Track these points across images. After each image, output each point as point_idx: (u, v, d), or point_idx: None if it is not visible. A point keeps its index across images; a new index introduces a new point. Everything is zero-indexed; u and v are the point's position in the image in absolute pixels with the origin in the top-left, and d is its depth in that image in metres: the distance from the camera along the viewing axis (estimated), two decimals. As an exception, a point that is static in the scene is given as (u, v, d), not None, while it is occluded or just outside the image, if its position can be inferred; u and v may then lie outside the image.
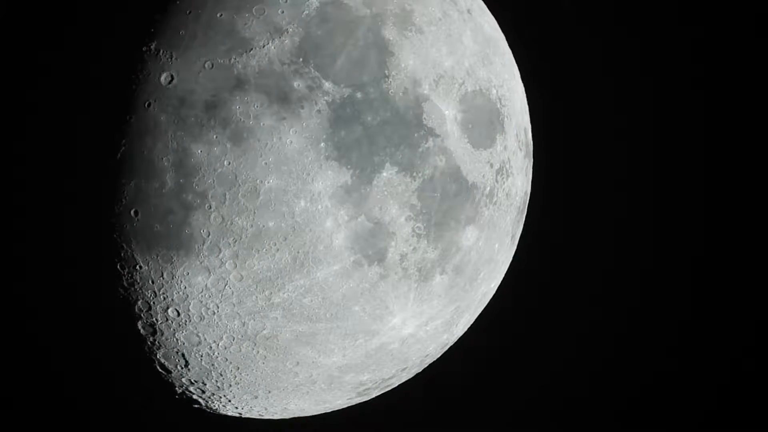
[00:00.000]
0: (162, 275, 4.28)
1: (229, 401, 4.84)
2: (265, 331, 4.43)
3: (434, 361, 5.30)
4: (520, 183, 4.96)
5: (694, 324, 7.20)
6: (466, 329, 5.25)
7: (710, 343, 7.18)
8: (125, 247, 4.26)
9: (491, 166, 4.67)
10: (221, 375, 4.61)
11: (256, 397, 4.81)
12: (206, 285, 4.29)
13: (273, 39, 4.23)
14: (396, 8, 4.47)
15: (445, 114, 4.46)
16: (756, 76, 7.06)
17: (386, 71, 4.35)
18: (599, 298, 7.22)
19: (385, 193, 4.31)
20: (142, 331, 4.46)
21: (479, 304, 5.13)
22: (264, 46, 4.21)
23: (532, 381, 7.27)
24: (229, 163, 4.15)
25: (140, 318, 4.42)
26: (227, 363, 4.55)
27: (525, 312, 7.09)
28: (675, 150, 7.17)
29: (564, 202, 7.03)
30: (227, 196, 4.16)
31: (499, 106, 4.73)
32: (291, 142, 4.17)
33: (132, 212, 4.20)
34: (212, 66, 4.18)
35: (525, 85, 5.21)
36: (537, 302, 7.15)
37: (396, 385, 5.27)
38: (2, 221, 4.43)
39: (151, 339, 4.48)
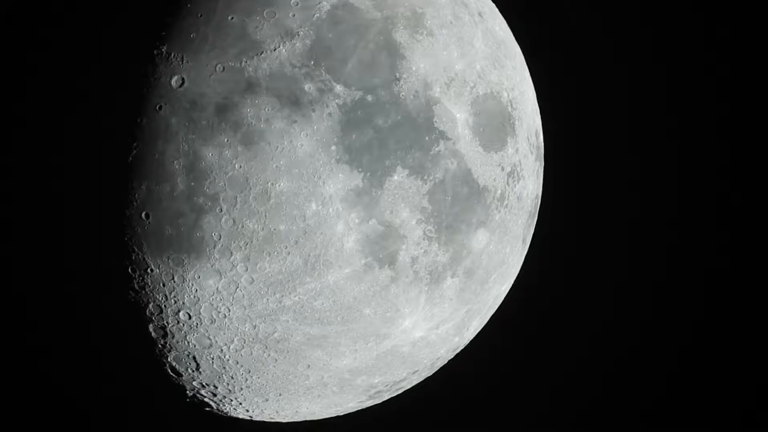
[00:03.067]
0: (173, 278, 4.28)
1: (240, 404, 4.84)
2: (276, 334, 4.43)
3: (445, 365, 5.30)
4: (531, 186, 4.95)
5: (707, 326, 7.18)
6: (477, 332, 5.24)
7: (723, 345, 7.16)
8: (136, 250, 4.26)
9: (502, 169, 4.67)
10: (232, 378, 4.61)
11: (267, 400, 4.81)
12: (217, 288, 4.29)
13: (284, 42, 4.23)
14: (407, 11, 4.47)
15: (457, 117, 4.45)
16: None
17: (397, 74, 4.34)
18: (610, 301, 7.21)
19: (396, 196, 4.31)
20: (153, 334, 4.47)
21: (490, 308, 5.12)
22: (275, 49, 4.22)
23: (543, 384, 7.26)
24: (240, 167, 4.15)
25: (151, 321, 4.42)
26: (238, 366, 4.55)
27: (536, 315, 7.08)
28: (688, 152, 7.16)
29: (575, 204, 7.02)
30: (238, 200, 4.16)
31: (510, 109, 4.72)
32: (302, 145, 4.17)
33: (143, 215, 4.21)
34: (223, 69, 4.18)
35: (536, 88, 5.21)
36: (548, 305, 7.15)
37: (407, 388, 5.26)
38: (11, 223, 4.44)
39: (162, 342, 4.49)
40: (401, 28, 4.42)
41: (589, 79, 7.09)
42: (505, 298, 5.28)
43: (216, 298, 4.31)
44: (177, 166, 4.15)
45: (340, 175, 4.22)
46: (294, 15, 4.28)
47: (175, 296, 4.33)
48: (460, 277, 4.63)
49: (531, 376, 7.24)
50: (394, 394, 5.27)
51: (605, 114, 7.11)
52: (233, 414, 5.00)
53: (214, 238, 4.20)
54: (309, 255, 4.26)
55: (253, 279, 4.27)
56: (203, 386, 4.69)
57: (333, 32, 4.29)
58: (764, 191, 7.05)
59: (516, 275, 5.24)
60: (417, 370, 5.02)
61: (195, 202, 4.17)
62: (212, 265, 4.24)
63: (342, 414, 5.31)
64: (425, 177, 4.36)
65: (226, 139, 4.14)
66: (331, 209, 4.23)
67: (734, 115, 7.08)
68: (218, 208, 4.17)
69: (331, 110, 4.21)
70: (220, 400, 4.81)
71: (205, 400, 4.81)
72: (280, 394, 4.76)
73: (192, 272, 4.26)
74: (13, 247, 4.51)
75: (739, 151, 7.10)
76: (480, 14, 4.79)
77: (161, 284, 4.31)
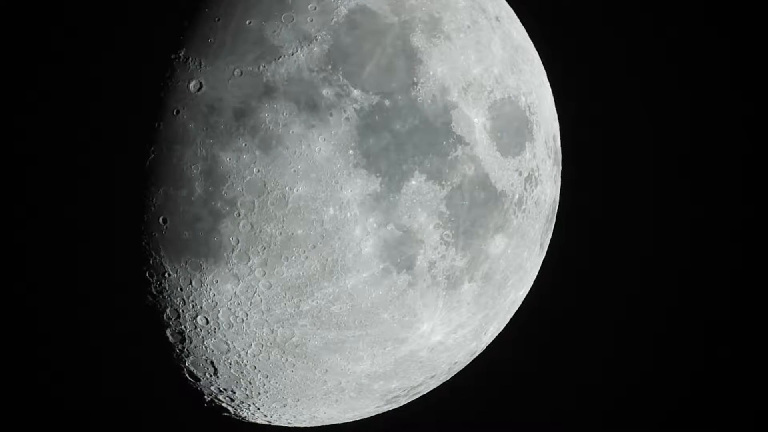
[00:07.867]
0: (191, 283, 4.29)
1: (258, 409, 4.84)
2: (293, 339, 4.43)
3: (463, 369, 5.28)
4: (549, 191, 4.93)
5: (728, 330, 7.15)
6: (494, 337, 5.23)
7: (746, 349, 7.13)
8: (154, 254, 4.27)
9: (520, 173, 4.65)
10: (250, 383, 4.61)
11: (284, 405, 4.81)
12: (235, 292, 4.29)
13: (302, 46, 4.23)
14: (424, 16, 4.46)
15: (474, 122, 4.44)
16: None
17: (415, 79, 4.34)
18: (627, 307, 7.20)
19: (414, 200, 4.30)
20: (170, 338, 4.47)
21: (508, 312, 5.11)
22: (293, 54, 4.22)
23: (559, 389, 7.25)
24: (258, 171, 4.15)
25: (169, 326, 4.43)
26: (256, 371, 4.55)
27: (553, 320, 7.07)
28: (706, 156, 7.13)
29: (593, 209, 7.00)
30: (256, 204, 4.17)
31: (528, 113, 4.71)
32: (320, 149, 4.17)
33: (161, 220, 4.21)
34: (241, 73, 4.18)
35: (554, 92, 5.19)
36: (565, 310, 7.14)
37: (425, 392, 5.25)
38: (29, 227, 4.45)
39: (179, 347, 4.49)
40: (419, 33, 4.41)
41: (607, 84, 7.08)
42: (523, 302, 5.27)
43: (234, 302, 4.31)
44: (195, 171, 4.16)
45: (358, 179, 4.21)
46: (312, 20, 4.28)
47: (192, 301, 4.33)
48: (477, 281, 4.62)
49: (548, 380, 7.23)
50: (412, 399, 5.26)
51: (623, 118, 7.11)
52: (251, 419, 5.00)
53: (232, 243, 4.20)
54: (327, 259, 4.26)
55: (270, 284, 4.27)
56: (221, 391, 4.69)
57: (351, 37, 4.29)
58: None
59: (534, 280, 5.23)
60: (434, 375, 5.02)
61: (213, 207, 4.17)
62: (230, 270, 4.24)
63: (360, 419, 5.31)
64: (443, 182, 4.35)
65: (243, 144, 4.14)
66: (348, 214, 4.22)
67: (758, 118, 7.05)
68: (236, 212, 4.17)
69: (348, 115, 4.21)
70: (238, 405, 4.81)
71: (223, 405, 4.81)
72: (297, 399, 4.76)
73: (210, 277, 4.26)
74: (29, 251, 4.52)
75: (763, 153, 7.07)
76: (497, 18, 4.78)
77: (179, 289, 4.31)
